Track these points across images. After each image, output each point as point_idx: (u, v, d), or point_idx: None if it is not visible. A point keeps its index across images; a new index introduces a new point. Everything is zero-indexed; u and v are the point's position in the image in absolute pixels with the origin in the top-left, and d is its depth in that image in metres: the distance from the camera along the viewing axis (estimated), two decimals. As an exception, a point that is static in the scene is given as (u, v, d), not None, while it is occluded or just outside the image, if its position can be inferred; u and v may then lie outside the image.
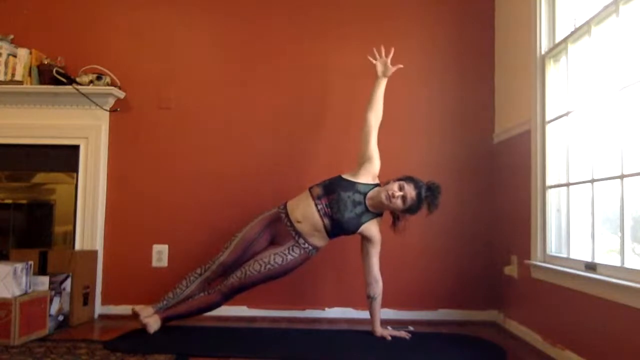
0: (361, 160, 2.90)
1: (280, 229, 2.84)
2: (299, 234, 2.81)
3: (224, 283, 2.81)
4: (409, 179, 2.76)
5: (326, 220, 2.77)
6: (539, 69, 2.73)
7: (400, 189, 2.71)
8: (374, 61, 3.02)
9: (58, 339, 2.64)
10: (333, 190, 2.78)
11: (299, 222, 2.80)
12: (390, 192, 2.70)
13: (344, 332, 2.94)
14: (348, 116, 3.39)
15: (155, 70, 3.43)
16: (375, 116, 2.94)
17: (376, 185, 2.84)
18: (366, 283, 2.83)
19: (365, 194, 2.79)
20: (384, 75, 3.01)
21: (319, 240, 2.83)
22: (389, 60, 3.01)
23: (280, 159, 3.37)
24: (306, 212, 2.79)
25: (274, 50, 3.43)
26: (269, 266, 2.78)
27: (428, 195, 2.75)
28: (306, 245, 2.82)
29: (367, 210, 2.78)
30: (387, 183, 2.79)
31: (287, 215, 2.84)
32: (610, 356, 2.03)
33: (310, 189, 2.85)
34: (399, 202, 2.71)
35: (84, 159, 3.36)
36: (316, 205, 2.78)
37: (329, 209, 2.76)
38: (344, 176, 2.85)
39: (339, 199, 2.75)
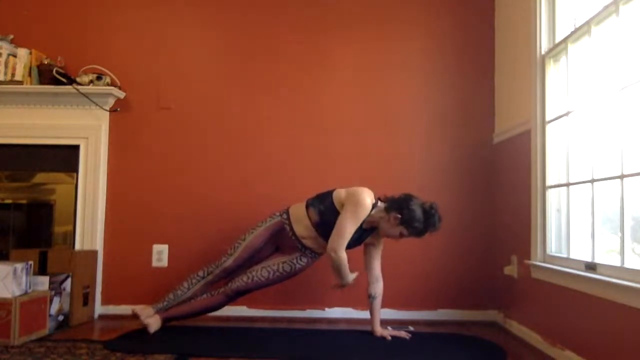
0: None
1: (286, 239, 2.84)
2: (305, 247, 2.82)
3: (228, 286, 2.81)
4: (410, 227, 2.62)
5: (328, 239, 2.74)
6: (539, 69, 2.73)
7: (402, 236, 2.70)
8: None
9: (58, 339, 2.64)
10: (327, 221, 2.71)
11: (304, 238, 2.80)
12: (392, 239, 2.74)
13: (344, 332, 2.94)
14: (349, 116, 3.39)
15: (155, 70, 3.43)
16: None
17: (373, 206, 2.72)
18: (367, 282, 2.83)
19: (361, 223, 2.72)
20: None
21: (324, 249, 2.82)
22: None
23: (280, 158, 3.37)
24: (309, 233, 2.79)
25: (275, 51, 3.43)
26: (277, 273, 2.80)
27: (427, 228, 2.66)
28: (313, 254, 2.85)
29: (364, 231, 2.77)
30: (385, 205, 2.70)
31: (291, 227, 2.81)
32: (610, 356, 2.02)
33: (307, 209, 2.79)
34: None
35: (84, 159, 3.36)
36: (316, 230, 2.77)
37: (328, 235, 2.71)
38: (337, 205, 2.72)
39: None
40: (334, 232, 2.66)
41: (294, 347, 2.59)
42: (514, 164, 3.05)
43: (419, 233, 2.67)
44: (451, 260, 3.31)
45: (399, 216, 2.64)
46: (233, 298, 2.82)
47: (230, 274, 2.85)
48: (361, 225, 2.71)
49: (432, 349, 2.62)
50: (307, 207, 2.80)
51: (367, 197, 2.68)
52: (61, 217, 3.36)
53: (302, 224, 2.79)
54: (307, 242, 2.81)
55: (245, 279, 2.80)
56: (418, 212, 2.64)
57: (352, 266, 2.95)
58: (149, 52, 3.45)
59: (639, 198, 2.00)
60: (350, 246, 2.73)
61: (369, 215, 2.70)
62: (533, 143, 2.74)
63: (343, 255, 2.66)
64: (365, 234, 2.79)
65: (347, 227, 2.65)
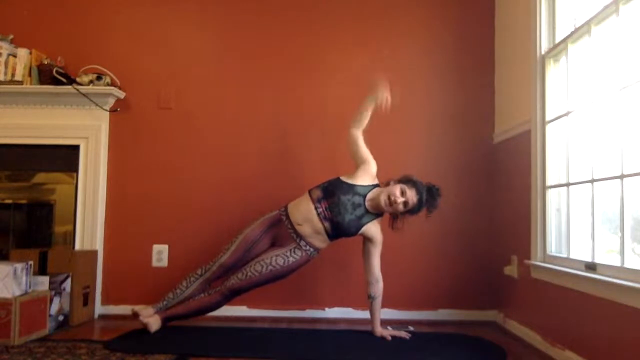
0: (357, 163, 2.89)
1: (282, 231, 2.84)
2: (300, 237, 2.81)
3: (224, 284, 2.81)
4: (409, 182, 2.76)
5: (326, 224, 2.77)
6: (539, 69, 2.73)
7: (402, 193, 2.71)
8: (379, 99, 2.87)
9: (58, 339, 2.64)
10: (332, 193, 2.78)
11: (299, 224, 2.80)
12: (392, 198, 2.70)
13: (344, 332, 2.94)
14: (349, 116, 3.38)
15: (155, 70, 3.43)
16: (360, 131, 2.89)
17: (375, 185, 2.84)
18: (367, 283, 2.83)
19: (364, 196, 2.79)
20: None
21: (320, 242, 2.83)
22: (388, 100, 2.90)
23: (281, 158, 3.37)
24: (307, 215, 2.79)
25: (275, 50, 3.43)
26: (270, 267, 2.79)
27: (428, 199, 2.75)
28: (307, 247, 2.83)
29: (367, 211, 2.78)
30: (388, 184, 2.79)
31: (287, 217, 2.84)
32: (610, 356, 2.02)
33: (309, 192, 2.85)
34: (400, 207, 2.72)
35: (84, 159, 3.36)
36: (316, 208, 2.77)
37: (329, 212, 2.76)
38: (343, 178, 2.84)
39: (338, 202, 2.75)
40: None
41: (294, 347, 2.59)
42: (514, 164, 3.05)
43: (419, 190, 2.72)
44: (451, 260, 3.31)
45: (398, 179, 2.76)
46: (229, 297, 2.82)
47: (228, 270, 2.85)
48: (364, 204, 2.76)
49: (432, 349, 2.62)
50: (309, 191, 2.84)
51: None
52: (61, 217, 3.36)
53: (300, 207, 2.81)
54: (303, 229, 2.79)
55: (239, 275, 2.80)
56: (417, 180, 2.78)
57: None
58: (149, 52, 3.45)
59: (639, 198, 2.00)
60: (350, 232, 2.76)
61: (371, 191, 2.78)
62: (533, 143, 2.74)
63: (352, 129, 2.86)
64: (366, 217, 2.78)
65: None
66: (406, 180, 2.76)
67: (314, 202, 2.79)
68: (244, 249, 2.84)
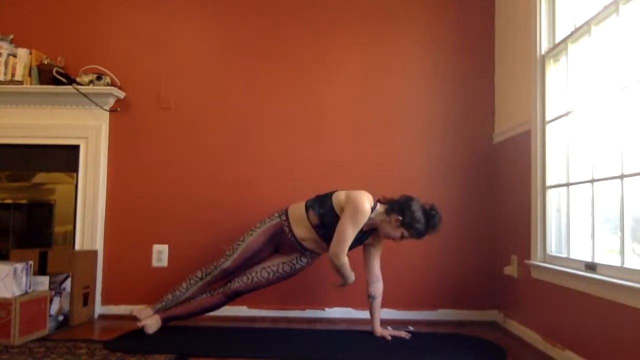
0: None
1: (285, 241, 2.83)
2: (305, 249, 2.82)
3: (228, 286, 2.81)
4: (411, 228, 2.64)
5: (328, 241, 2.75)
6: (539, 69, 2.73)
7: (402, 238, 2.71)
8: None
9: (58, 339, 2.64)
10: (328, 224, 2.72)
11: (304, 240, 2.80)
12: (392, 240, 2.74)
13: (344, 332, 2.94)
14: (349, 117, 3.39)
15: (155, 70, 3.43)
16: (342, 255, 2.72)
17: (372, 208, 2.72)
18: (367, 282, 2.83)
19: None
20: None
21: (324, 250, 2.84)
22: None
23: (280, 158, 3.37)
24: (310, 235, 2.79)
25: (275, 50, 3.43)
26: (277, 274, 2.81)
27: (428, 230, 2.69)
28: (312, 254, 2.86)
29: (364, 232, 2.77)
30: (386, 209, 2.70)
31: (291, 230, 2.81)
32: (610, 356, 2.02)
33: (307, 210, 2.78)
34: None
35: (84, 159, 3.36)
36: (317, 232, 2.77)
37: (329, 238, 2.73)
38: (337, 209, 2.71)
39: (333, 233, 2.71)
40: (335, 238, 2.68)
41: (294, 347, 2.59)
42: (514, 164, 3.05)
43: (419, 235, 2.69)
44: (451, 260, 3.31)
45: (400, 218, 2.66)
46: (232, 298, 2.83)
47: (229, 274, 2.85)
48: (361, 227, 2.72)
49: (432, 349, 2.62)
50: (306, 209, 2.80)
51: (366, 202, 2.68)
52: (61, 217, 3.36)
53: (301, 226, 2.79)
54: (307, 244, 2.81)
55: (245, 279, 2.80)
56: (419, 214, 2.66)
57: (352, 267, 2.94)
58: (149, 52, 3.45)
59: (639, 198, 2.00)
60: (350, 247, 2.72)
61: (369, 218, 2.71)
62: (533, 143, 2.74)
63: (345, 260, 2.70)
64: (365, 236, 2.79)
65: (348, 233, 2.66)
66: (408, 225, 2.64)
67: (313, 227, 2.77)
68: (247, 256, 2.84)
